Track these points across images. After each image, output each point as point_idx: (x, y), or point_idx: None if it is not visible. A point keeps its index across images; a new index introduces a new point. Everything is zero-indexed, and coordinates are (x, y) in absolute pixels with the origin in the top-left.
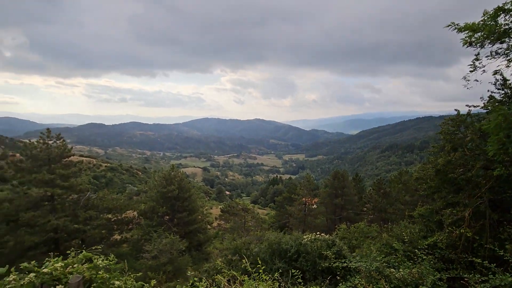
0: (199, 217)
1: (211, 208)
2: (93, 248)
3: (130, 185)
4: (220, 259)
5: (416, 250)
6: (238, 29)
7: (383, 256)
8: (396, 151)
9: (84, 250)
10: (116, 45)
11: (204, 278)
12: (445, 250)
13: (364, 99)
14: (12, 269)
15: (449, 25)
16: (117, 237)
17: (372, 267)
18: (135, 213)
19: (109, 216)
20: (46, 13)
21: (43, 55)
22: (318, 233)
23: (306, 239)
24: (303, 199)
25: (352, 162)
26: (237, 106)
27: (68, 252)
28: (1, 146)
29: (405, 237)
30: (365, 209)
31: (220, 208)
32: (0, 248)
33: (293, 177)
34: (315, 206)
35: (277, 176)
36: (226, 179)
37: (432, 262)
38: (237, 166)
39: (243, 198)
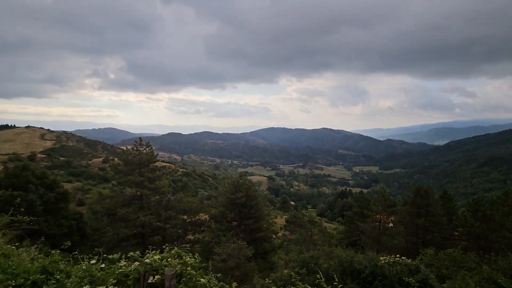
0: (265, 225)
1: (276, 218)
2: (183, 246)
3: (202, 189)
4: (286, 271)
5: None
6: (303, 38)
7: None
8: (499, 166)
9: (175, 247)
10: (193, 63)
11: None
12: None
13: (453, 105)
14: (123, 256)
15: None
16: (190, 237)
17: None
18: (207, 216)
19: (185, 217)
20: (139, 40)
21: (136, 75)
22: (398, 256)
23: (383, 261)
24: (377, 216)
25: (438, 178)
26: (303, 115)
27: (164, 247)
28: (105, 152)
29: None
30: (457, 233)
31: (285, 218)
32: (102, 237)
33: (365, 190)
34: (391, 224)
35: (346, 188)
36: (291, 189)
37: None
38: (303, 176)
39: (309, 209)
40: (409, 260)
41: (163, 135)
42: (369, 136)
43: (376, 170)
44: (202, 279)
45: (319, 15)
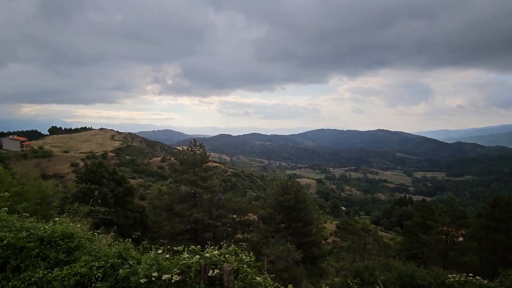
0: (314, 230)
1: (325, 223)
2: (240, 244)
3: (250, 190)
4: (338, 279)
5: None
6: (355, 35)
7: None
8: None
9: (232, 244)
10: (242, 66)
11: None
12: None
13: None
14: (186, 248)
15: None
16: (239, 236)
17: None
18: (255, 216)
19: (234, 216)
20: (194, 47)
21: (191, 81)
22: (470, 275)
23: (452, 279)
24: (444, 228)
25: None
26: (356, 116)
27: (222, 243)
28: (163, 151)
29: None
30: None
31: (336, 224)
32: (160, 229)
33: (428, 199)
34: (461, 239)
35: (405, 196)
36: (342, 193)
37: None
38: (355, 181)
39: (362, 216)
40: (485, 281)
41: (214, 136)
42: (433, 138)
43: (442, 177)
44: (258, 278)
45: (374, 9)
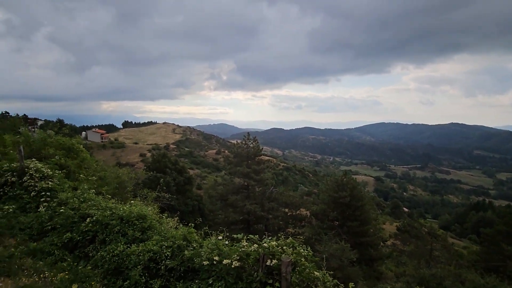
0: (371, 230)
1: (384, 224)
2: (297, 237)
3: (301, 185)
4: (399, 285)
5: None
6: (420, 19)
7: None
8: None
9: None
10: (295, 59)
11: None
12: None
13: None
14: (244, 237)
15: None
16: (291, 230)
17: None
18: (308, 212)
19: (286, 210)
20: (247, 43)
21: (244, 76)
22: None
23: None
24: None
25: None
26: (424, 108)
27: (279, 235)
28: (218, 144)
29: None
30: None
31: (396, 226)
32: (215, 218)
33: None
34: None
35: (483, 199)
36: (405, 193)
37: None
38: (421, 180)
39: (428, 219)
40: None
41: (266, 130)
42: None
43: None
44: (316, 272)
45: None
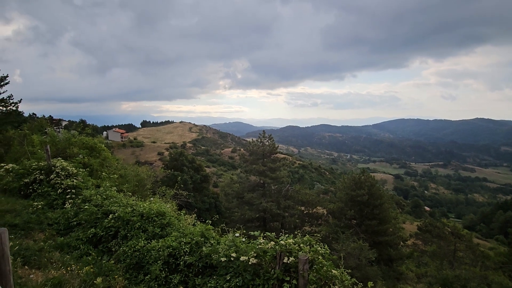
0: (390, 229)
1: (404, 223)
2: (314, 235)
3: (318, 183)
4: (420, 285)
5: None
6: (437, 11)
7: None
8: None
9: (306, 235)
10: (309, 56)
11: None
12: None
13: None
14: (261, 234)
15: None
16: (307, 228)
17: None
18: (324, 210)
19: (302, 208)
20: (261, 42)
21: (258, 74)
22: None
23: None
24: None
25: None
26: (446, 103)
27: (296, 232)
28: (233, 143)
29: None
30: None
31: (417, 225)
32: (231, 216)
33: None
34: None
35: None
36: (426, 191)
37: None
38: (443, 178)
39: (451, 219)
40: None
41: (281, 128)
42: None
43: None
44: (334, 271)
45: None
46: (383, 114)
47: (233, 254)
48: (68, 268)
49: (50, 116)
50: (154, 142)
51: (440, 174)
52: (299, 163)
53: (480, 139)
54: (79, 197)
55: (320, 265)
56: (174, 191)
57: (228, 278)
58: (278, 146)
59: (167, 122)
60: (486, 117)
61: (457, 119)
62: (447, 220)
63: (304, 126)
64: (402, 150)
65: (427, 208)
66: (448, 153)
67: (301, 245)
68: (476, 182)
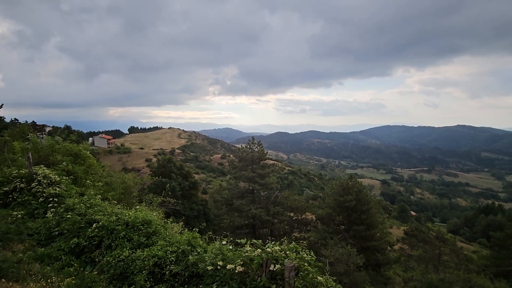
0: (378, 234)
1: (391, 228)
2: (300, 242)
3: (307, 189)
4: None
5: None
6: (416, 24)
7: None
8: None
9: (293, 241)
10: (297, 64)
11: None
12: None
13: None
14: (248, 241)
15: None
16: (296, 234)
17: None
18: (313, 216)
19: (291, 214)
20: (250, 50)
21: (247, 81)
22: None
23: None
24: None
25: None
26: (429, 111)
27: (283, 240)
28: (223, 149)
29: None
30: None
31: (404, 230)
32: (220, 223)
33: None
34: None
35: (493, 203)
36: (412, 196)
37: None
38: (428, 183)
39: (436, 223)
40: None
41: (271, 134)
42: None
43: None
44: (319, 277)
45: None
46: (370, 121)
47: (220, 263)
48: (48, 280)
49: (33, 121)
50: (142, 149)
51: (425, 179)
52: (288, 169)
53: (462, 145)
54: (62, 206)
55: (306, 272)
56: (162, 198)
57: (214, 287)
58: (267, 152)
59: (156, 128)
60: (467, 124)
61: (440, 126)
62: (432, 225)
63: (293, 132)
64: (389, 156)
65: (413, 213)
66: (432, 159)
67: (288, 252)
68: (459, 187)
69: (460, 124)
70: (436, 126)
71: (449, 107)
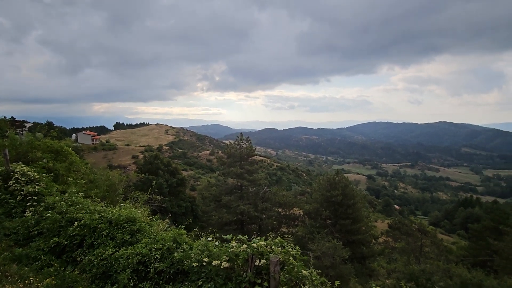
0: (363, 228)
1: (376, 221)
2: (286, 236)
3: (295, 184)
4: (390, 281)
5: None
6: (399, 24)
7: None
8: None
9: (278, 236)
10: (285, 61)
11: None
12: None
13: None
14: (234, 237)
15: None
16: (284, 229)
17: None
18: (301, 211)
19: (279, 210)
20: (238, 46)
21: (236, 77)
22: None
23: None
24: None
25: None
26: (413, 108)
27: (268, 234)
28: (211, 145)
29: None
30: None
31: (388, 223)
32: (209, 219)
33: (501, 200)
34: None
35: (471, 196)
36: (396, 191)
37: None
38: (411, 178)
39: (418, 216)
40: None
41: (259, 130)
42: (510, 131)
43: None
44: (304, 271)
45: None
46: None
47: (205, 259)
48: (26, 281)
49: (12, 117)
50: (128, 145)
51: (408, 174)
52: (277, 165)
53: (443, 141)
54: (42, 204)
55: (291, 266)
56: (148, 195)
57: (200, 284)
58: (256, 149)
59: (142, 124)
60: (448, 121)
61: (423, 122)
62: (415, 218)
63: (282, 129)
64: (374, 152)
65: (396, 207)
66: (415, 154)
67: (273, 247)
68: (440, 181)
69: (442, 120)
70: (419, 123)
71: (432, 104)
